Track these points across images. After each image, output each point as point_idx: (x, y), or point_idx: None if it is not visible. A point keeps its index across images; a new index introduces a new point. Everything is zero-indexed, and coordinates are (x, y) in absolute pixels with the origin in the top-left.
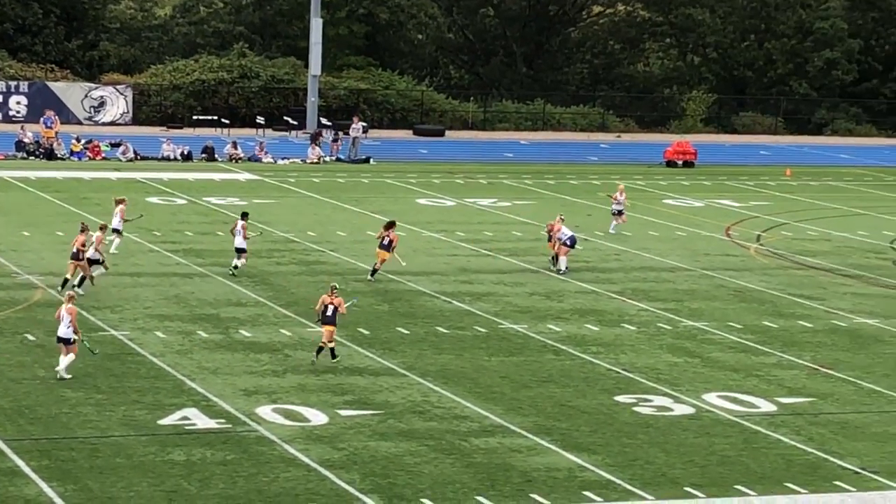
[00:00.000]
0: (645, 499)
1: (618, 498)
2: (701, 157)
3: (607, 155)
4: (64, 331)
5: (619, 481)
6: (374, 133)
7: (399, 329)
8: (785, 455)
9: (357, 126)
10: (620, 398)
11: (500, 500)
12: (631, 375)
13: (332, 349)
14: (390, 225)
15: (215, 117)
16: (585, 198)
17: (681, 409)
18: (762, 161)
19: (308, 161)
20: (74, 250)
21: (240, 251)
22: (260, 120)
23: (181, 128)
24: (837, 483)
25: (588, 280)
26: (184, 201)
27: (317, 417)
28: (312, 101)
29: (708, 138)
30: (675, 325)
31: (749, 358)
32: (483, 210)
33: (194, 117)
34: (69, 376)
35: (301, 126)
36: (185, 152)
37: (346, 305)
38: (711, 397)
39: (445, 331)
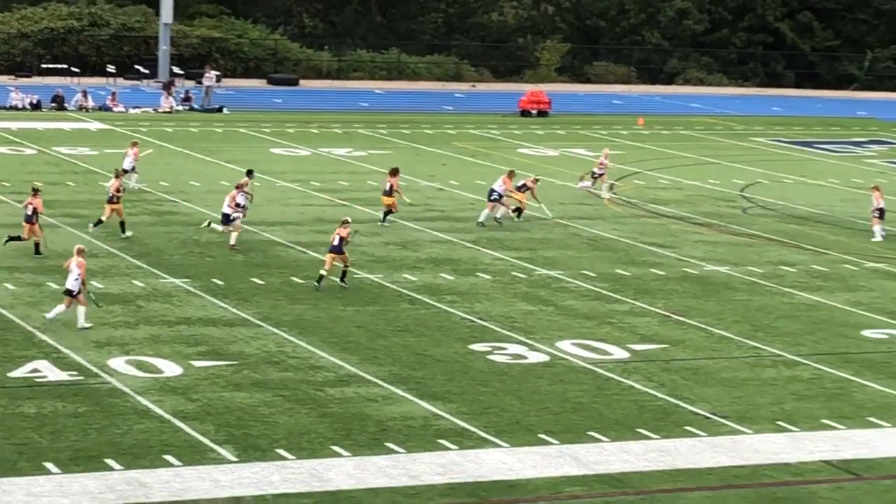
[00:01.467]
0: (500, 446)
1: (472, 445)
2: (555, 106)
3: (462, 104)
4: (72, 283)
5: (473, 429)
6: (227, 82)
7: (254, 279)
8: (637, 401)
9: (210, 75)
10: (475, 347)
11: (355, 450)
12: (486, 324)
13: (343, 273)
14: (394, 172)
15: (65, 66)
16: (440, 147)
17: (535, 357)
18: (615, 110)
19: (160, 110)
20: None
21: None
22: (111, 69)
23: (30, 76)
24: (688, 428)
25: (443, 229)
26: (33, 151)
27: (170, 369)
28: (164, 49)
29: (562, 88)
30: (529, 274)
31: (602, 306)
32: (338, 160)
33: (43, 66)
34: (89, 325)
35: (153, 75)
36: (35, 101)
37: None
38: (565, 345)
39: (301, 281)
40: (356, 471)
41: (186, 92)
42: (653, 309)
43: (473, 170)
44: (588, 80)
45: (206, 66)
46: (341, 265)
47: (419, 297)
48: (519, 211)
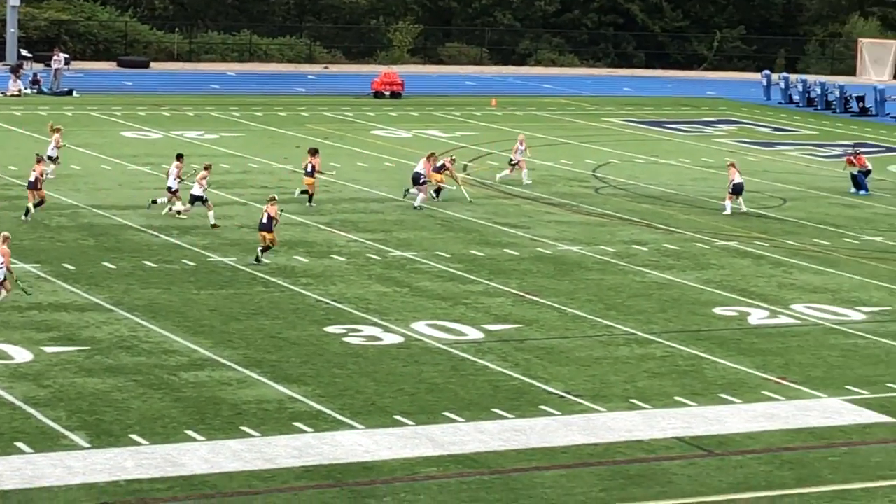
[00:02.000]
0: (355, 428)
1: (328, 428)
2: (408, 87)
3: (315, 86)
4: None
5: (329, 411)
6: (77, 65)
7: (105, 264)
8: (492, 381)
9: (59, 58)
10: (330, 329)
11: (210, 434)
12: (340, 306)
13: (266, 248)
14: (314, 151)
15: None
16: (294, 129)
17: (390, 339)
18: (468, 91)
19: (8, 94)
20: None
21: (171, 190)
22: None
23: None
24: (543, 407)
25: (297, 212)
26: None
27: (21, 355)
28: (12, 32)
29: (415, 69)
30: (384, 256)
31: (457, 286)
32: (190, 142)
33: None
34: None
35: (0, 58)
36: None
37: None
38: (420, 326)
39: (153, 265)
40: (211, 455)
41: (35, 75)
42: (507, 289)
43: (327, 152)
44: (441, 62)
45: (54, 48)
46: (269, 243)
47: (273, 279)
48: (438, 191)
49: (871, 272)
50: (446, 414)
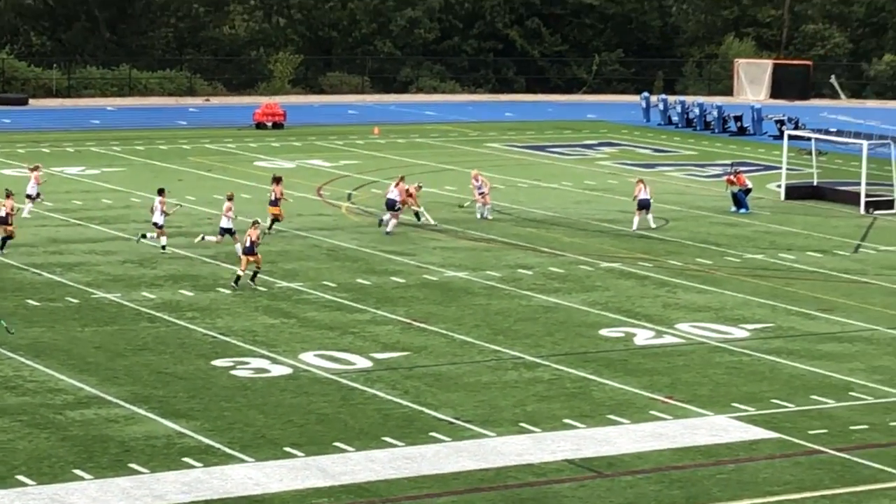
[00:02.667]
0: (245, 461)
1: (218, 462)
2: (290, 118)
3: (196, 119)
4: None
5: (218, 445)
6: None
7: None
8: (382, 409)
9: None
10: (218, 362)
11: (98, 472)
12: (227, 339)
13: (255, 272)
14: (277, 180)
15: None
16: (176, 163)
17: (278, 370)
18: (350, 120)
19: None
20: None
21: (157, 226)
22: None
23: None
24: (433, 434)
25: (181, 245)
26: None
27: None
28: None
29: (296, 99)
30: (270, 287)
31: (344, 316)
32: (71, 178)
33: None
34: None
35: None
36: None
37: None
38: (308, 356)
39: (36, 303)
40: (99, 493)
41: None
42: (394, 317)
43: (210, 184)
44: (322, 91)
45: None
46: (255, 266)
47: (159, 314)
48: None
49: (753, 290)
50: (336, 444)
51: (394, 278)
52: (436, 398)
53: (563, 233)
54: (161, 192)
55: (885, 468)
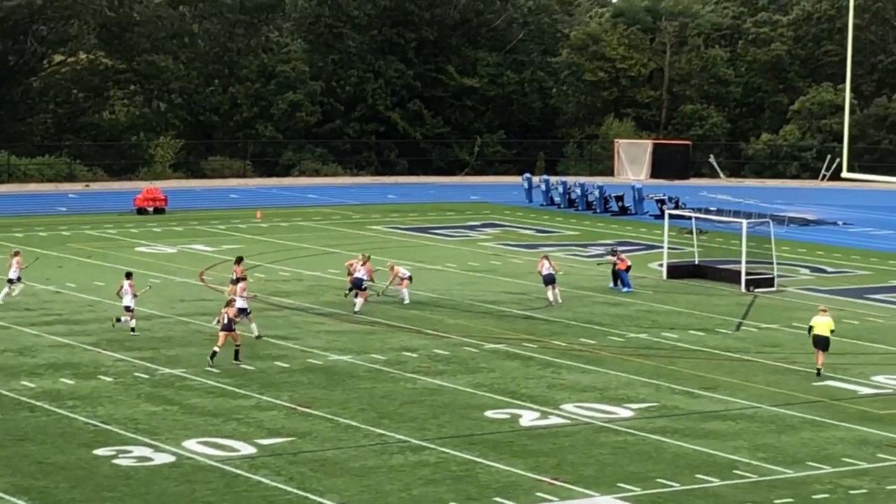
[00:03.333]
0: None
1: None
2: (171, 202)
3: (76, 205)
4: None
5: None
6: None
7: None
8: (266, 496)
9: None
10: (99, 451)
11: None
12: (109, 427)
13: (235, 350)
14: (239, 260)
15: None
16: (56, 249)
17: (161, 458)
18: (233, 204)
19: None
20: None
21: (128, 309)
22: None
23: None
24: None
25: (61, 333)
26: None
27: None
28: None
29: (178, 184)
30: (152, 374)
31: (228, 402)
32: None
33: None
34: None
35: None
36: None
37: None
38: (192, 444)
39: None
40: None
41: None
42: (279, 402)
43: (90, 271)
44: (204, 176)
45: None
46: (234, 343)
47: (39, 403)
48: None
49: (636, 369)
50: None
51: (278, 363)
52: (321, 483)
53: (447, 314)
54: (129, 275)
55: None
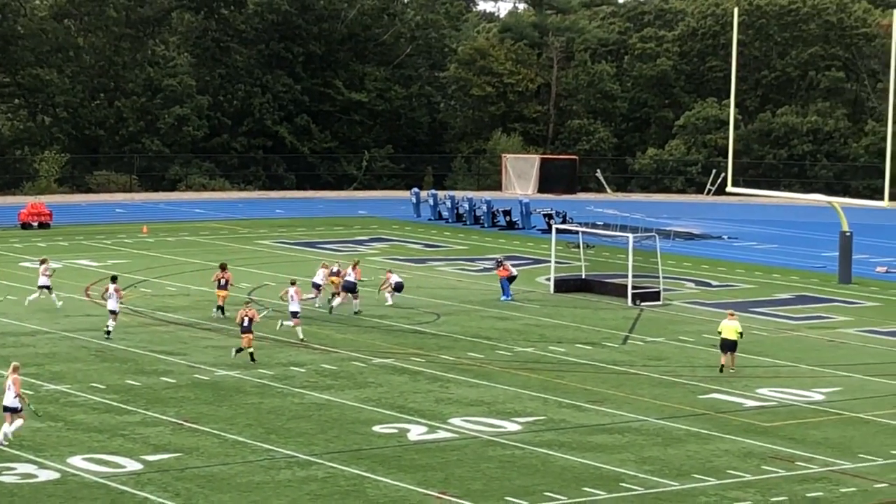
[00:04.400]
0: None
1: None
2: (57, 217)
3: None
4: (10, 400)
5: None
6: None
7: None
8: None
9: None
10: None
11: None
12: None
13: (251, 353)
14: (223, 266)
15: None
16: None
17: (46, 475)
18: (119, 219)
19: None
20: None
21: (113, 313)
22: None
23: None
24: None
25: None
26: None
27: None
28: None
29: (63, 199)
30: (36, 390)
31: (113, 418)
32: None
33: None
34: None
35: None
36: None
37: (259, 315)
38: (76, 460)
39: None
40: None
41: None
42: (165, 418)
43: None
44: (90, 190)
45: None
46: (247, 346)
47: None
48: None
49: (524, 383)
50: None
51: (164, 378)
52: (208, 500)
53: (334, 329)
54: (114, 279)
55: None
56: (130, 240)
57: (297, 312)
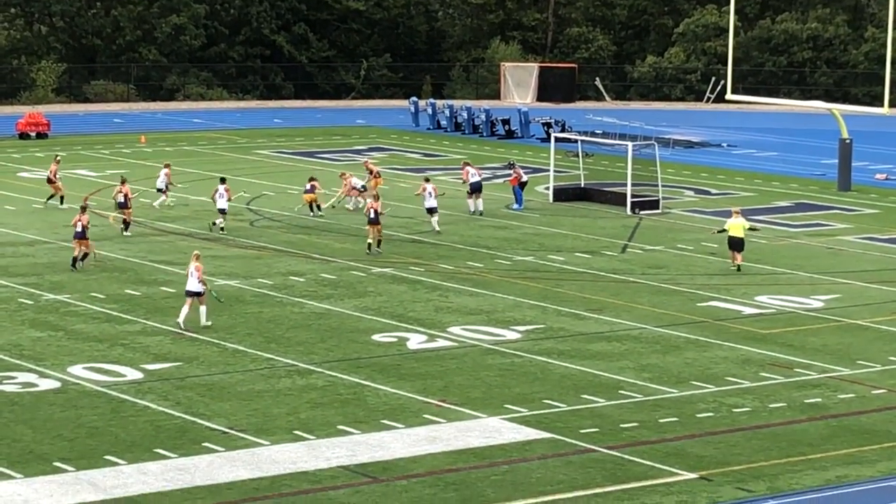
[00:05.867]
0: (13, 478)
1: None
2: (55, 127)
3: None
4: (195, 285)
5: None
6: None
7: None
8: (154, 421)
9: None
10: None
11: None
12: None
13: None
14: (223, 181)
15: None
16: None
17: (46, 384)
18: (117, 129)
19: None
20: (79, 229)
21: (222, 212)
22: None
23: None
24: (206, 444)
25: None
26: None
27: None
28: None
29: (61, 108)
30: (36, 300)
31: (113, 327)
32: None
33: None
34: (210, 323)
35: None
36: None
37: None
38: (77, 369)
39: None
40: None
41: None
42: (165, 327)
43: None
44: (87, 100)
45: None
46: (377, 236)
47: None
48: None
49: (522, 291)
50: (108, 457)
51: (164, 288)
52: (208, 408)
53: (334, 238)
54: (223, 180)
55: (656, 465)
56: (128, 150)
57: (432, 209)
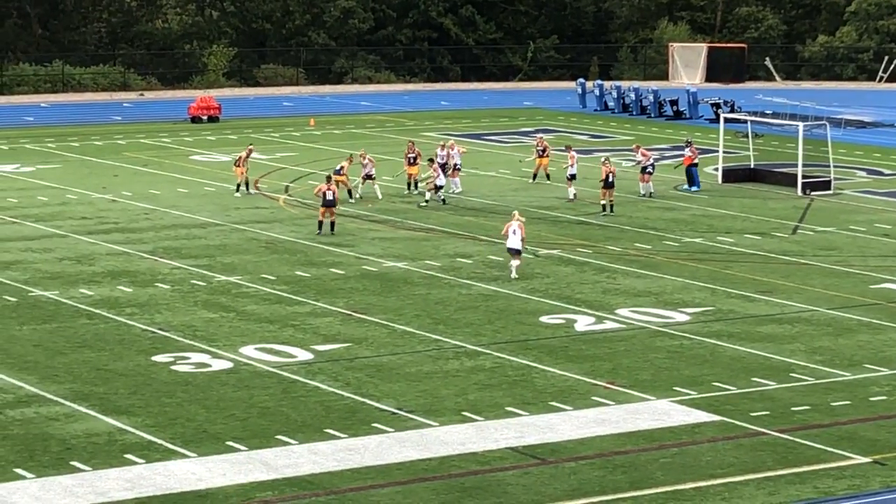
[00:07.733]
0: (187, 456)
1: (160, 458)
2: (225, 111)
3: (131, 114)
4: (516, 243)
5: (160, 441)
6: None
7: None
8: (323, 402)
9: None
10: (158, 358)
11: (39, 471)
12: (167, 334)
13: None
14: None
15: None
16: (111, 158)
17: (219, 365)
18: (286, 112)
19: None
20: (330, 197)
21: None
22: None
23: None
24: (375, 425)
25: (118, 241)
26: None
27: None
28: None
29: (231, 92)
30: (208, 281)
31: (284, 308)
32: (6, 176)
33: None
34: (517, 276)
35: None
36: None
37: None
38: (249, 350)
39: None
40: (41, 492)
41: None
42: (334, 308)
43: (146, 179)
44: (257, 84)
45: None
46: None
47: (97, 311)
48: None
49: (692, 273)
50: (279, 437)
51: (333, 270)
52: (377, 389)
53: (501, 221)
54: (431, 160)
55: (827, 448)
56: (298, 133)
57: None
